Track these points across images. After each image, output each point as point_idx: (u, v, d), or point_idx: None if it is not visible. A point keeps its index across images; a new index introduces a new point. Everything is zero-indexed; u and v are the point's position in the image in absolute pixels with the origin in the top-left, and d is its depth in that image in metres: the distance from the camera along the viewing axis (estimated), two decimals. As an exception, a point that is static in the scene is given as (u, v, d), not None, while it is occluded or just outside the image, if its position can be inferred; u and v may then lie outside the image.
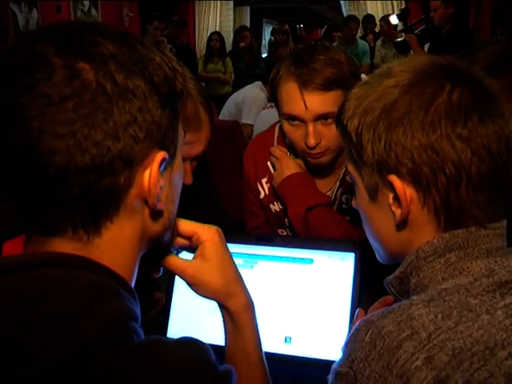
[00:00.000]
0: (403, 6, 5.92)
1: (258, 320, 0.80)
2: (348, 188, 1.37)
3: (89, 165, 0.55)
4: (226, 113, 3.77)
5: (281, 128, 1.38)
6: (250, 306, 0.79)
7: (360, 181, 0.75)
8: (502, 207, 0.70)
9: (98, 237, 0.60)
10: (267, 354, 0.81)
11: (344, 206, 1.39)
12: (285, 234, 1.46)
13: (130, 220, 0.61)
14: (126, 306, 0.58)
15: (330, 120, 1.21)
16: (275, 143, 1.45)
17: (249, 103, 3.60)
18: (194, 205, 1.09)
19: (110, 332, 0.54)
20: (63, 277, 0.56)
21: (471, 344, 0.58)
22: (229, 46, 6.31)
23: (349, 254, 1.09)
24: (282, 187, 1.35)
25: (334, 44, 4.87)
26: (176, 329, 1.11)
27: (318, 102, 1.21)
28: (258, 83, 3.69)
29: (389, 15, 5.68)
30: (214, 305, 0.79)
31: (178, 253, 0.80)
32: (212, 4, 8.12)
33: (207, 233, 0.78)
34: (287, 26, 6.02)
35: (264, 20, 11.32)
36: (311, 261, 1.11)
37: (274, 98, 1.33)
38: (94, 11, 6.10)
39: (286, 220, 1.42)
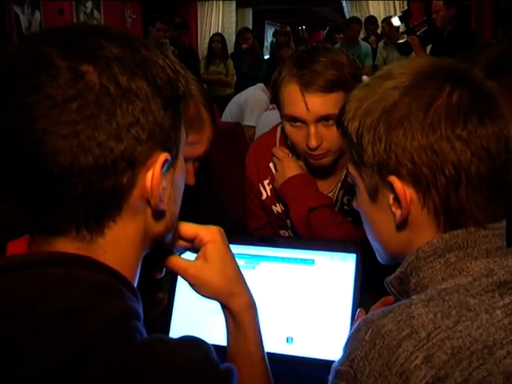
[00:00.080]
0: (405, 8, 5.93)
1: (259, 320, 0.81)
2: (349, 189, 1.37)
3: (92, 165, 0.56)
4: (228, 114, 3.76)
5: (283, 129, 1.39)
6: (251, 305, 0.80)
7: (360, 182, 0.76)
8: (502, 208, 0.71)
9: (101, 237, 0.60)
10: (269, 354, 0.81)
11: (345, 207, 1.39)
12: (287, 235, 1.47)
13: (132, 220, 0.62)
14: (129, 305, 0.59)
15: (331, 121, 1.21)
16: (277, 145, 1.45)
17: (251, 105, 3.60)
18: (196, 205, 1.09)
19: (113, 330, 0.54)
20: (66, 276, 0.56)
21: (470, 343, 0.59)
22: (231, 48, 6.32)
23: (350, 254, 1.10)
24: (284, 188, 1.35)
25: (336, 46, 4.88)
26: (178, 329, 1.12)
27: (319, 103, 1.21)
28: (260, 85, 3.70)
29: (391, 17, 5.68)
30: (216, 305, 0.80)
31: (180, 253, 0.80)
32: (214, 6, 8.14)
33: (209, 234, 0.78)
34: (289, 28, 6.03)
35: (266, 22, 11.30)
36: (313, 262, 1.11)
37: (275, 99, 1.33)
38: (96, 13, 6.12)
39: (288, 221, 1.42)
